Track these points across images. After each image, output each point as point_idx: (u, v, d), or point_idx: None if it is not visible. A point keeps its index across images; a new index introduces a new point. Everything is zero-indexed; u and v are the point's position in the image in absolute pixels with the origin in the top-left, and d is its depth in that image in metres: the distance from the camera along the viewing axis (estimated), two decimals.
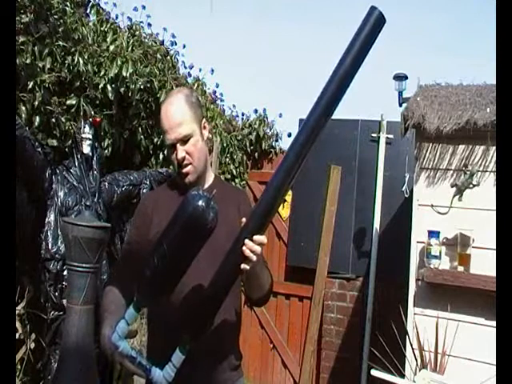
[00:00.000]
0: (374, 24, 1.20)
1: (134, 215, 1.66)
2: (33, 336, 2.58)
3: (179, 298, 1.43)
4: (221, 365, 1.51)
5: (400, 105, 3.67)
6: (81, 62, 2.68)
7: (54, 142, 2.62)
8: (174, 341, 1.31)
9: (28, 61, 2.40)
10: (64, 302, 2.39)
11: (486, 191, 2.36)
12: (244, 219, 1.28)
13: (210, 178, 1.65)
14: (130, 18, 3.45)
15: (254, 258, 1.25)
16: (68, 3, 2.76)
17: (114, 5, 3.32)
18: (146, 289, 1.28)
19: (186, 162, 1.54)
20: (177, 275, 1.26)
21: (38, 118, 2.49)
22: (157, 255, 1.23)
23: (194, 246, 1.24)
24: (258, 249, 1.24)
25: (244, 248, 1.24)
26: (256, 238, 1.24)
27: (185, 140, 1.53)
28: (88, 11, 3.14)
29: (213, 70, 4.23)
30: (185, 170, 1.54)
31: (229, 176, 4.27)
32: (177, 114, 1.54)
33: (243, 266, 1.25)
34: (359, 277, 3.92)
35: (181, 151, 1.52)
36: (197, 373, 1.44)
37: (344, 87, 1.23)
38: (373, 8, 1.20)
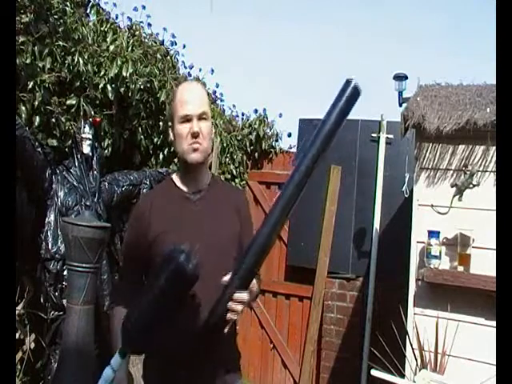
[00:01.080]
0: (349, 97, 1.25)
1: (131, 218, 1.63)
2: (33, 336, 2.58)
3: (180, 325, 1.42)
4: (220, 367, 1.51)
5: (400, 105, 3.67)
6: (81, 61, 2.68)
7: (54, 142, 2.62)
8: (170, 373, 1.34)
9: (28, 61, 2.40)
10: (64, 301, 2.40)
11: (486, 191, 2.36)
12: (226, 278, 1.29)
13: (207, 176, 1.62)
14: (129, 18, 3.45)
15: (235, 316, 1.29)
16: (68, 3, 2.76)
17: (114, 5, 3.33)
18: (132, 337, 1.30)
19: (198, 139, 1.50)
20: (162, 322, 1.30)
21: (38, 118, 2.49)
22: (137, 311, 1.27)
23: (177, 296, 1.27)
24: (238, 308, 1.27)
25: (228, 305, 1.27)
26: (237, 296, 1.26)
27: (201, 118, 1.51)
28: (88, 11, 3.14)
29: (213, 70, 4.23)
30: (196, 145, 1.50)
31: (229, 176, 4.27)
32: (199, 91, 1.56)
33: (229, 316, 1.28)
34: (359, 277, 3.92)
35: (196, 125, 1.49)
36: (196, 376, 1.44)
37: (323, 150, 1.29)
38: (348, 81, 1.25)
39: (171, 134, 1.57)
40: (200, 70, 4.19)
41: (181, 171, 1.60)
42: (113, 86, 2.88)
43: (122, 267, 1.70)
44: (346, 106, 1.26)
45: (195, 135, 1.49)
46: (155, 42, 3.58)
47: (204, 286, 1.33)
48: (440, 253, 2.40)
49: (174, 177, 1.61)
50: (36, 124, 2.49)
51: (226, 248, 1.50)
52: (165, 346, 1.38)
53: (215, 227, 1.51)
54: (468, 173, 2.37)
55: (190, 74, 4.07)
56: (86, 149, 2.72)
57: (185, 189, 1.56)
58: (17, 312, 2.49)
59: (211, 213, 1.53)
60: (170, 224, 1.49)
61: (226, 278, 1.29)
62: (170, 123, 1.59)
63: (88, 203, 2.63)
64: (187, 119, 1.50)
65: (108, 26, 3.14)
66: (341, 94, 1.26)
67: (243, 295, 1.27)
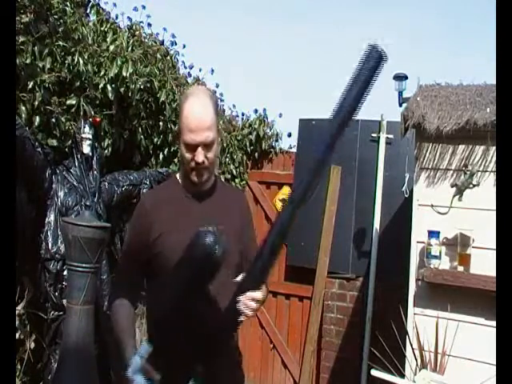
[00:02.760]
0: (374, 63, 1.19)
1: (133, 218, 1.62)
2: (33, 336, 2.58)
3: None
4: (228, 368, 1.50)
5: (400, 105, 3.67)
6: (81, 61, 2.68)
7: (54, 142, 2.62)
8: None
9: (28, 61, 2.40)
10: (64, 302, 2.40)
11: (486, 191, 2.36)
12: (239, 278, 1.30)
13: (212, 179, 1.60)
14: (130, 18, 3.45)
15: (251, 313, 1.28)
16: (68, 3, 2.76)
17: (114, 5, 3.33)
18: (160, 325, 1.31)
19: (203, 166, 1.48)
20: (188, 310, 1.29)
21: (38, 118, 2.49)
22: (168, 291, 1.28)
23: (204, 281, 1.27)
24: (253, 305, 1.27)
25: (240, 304, 1.26)
26: (251, 294, 1.26)
27: (207, 146, 1.46)
28: (88, 11, 3.14)
29: (213, 70, 4.23)
30: (199, 176, 1.49)
31: (229, 176, 4.27)
32: (207, 116, 1.47)
33: (244, 312, 1.27)
34: (359, 277, 3.92)
35: (202, 155, 1.46)
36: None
37: (348, 120, 1.25)
38: (372, 47, 1.18)
39: (178, 141, 1.55)
40: (200, 70, 4.19)
41: (184, 177, 1.58)
42: (113, 86, 2.88)
43: (122, 266, 1.66)
44: (371, 73, 1.19)
45: (201, 165, 1.47)
46: (155, 42, 3.57)
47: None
48: (440, 253, 2.40)
49: (179, 176, 1.61)
50: (36, 124, 2.49)
51: (230, 248, 1.50)
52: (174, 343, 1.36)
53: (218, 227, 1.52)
54: (468, 173, 2.36)
55: (189, 74, 4.06)
56: (86, 149, 2.72)
57: (189, 190, 1.55)
58: (17, 312, 2.49)
59: (214, 213, 1.52)
60: (173, 224, 1.48)
61: (240, 277, 1.29)
62: (177, 130, 1.60)
63: (88, 203, 2.63)
64: (191, 147, 1.46)
65: (108, 26, 3.14)
66: (365, 61, 1.19)
67: (257, 293, 1.27)
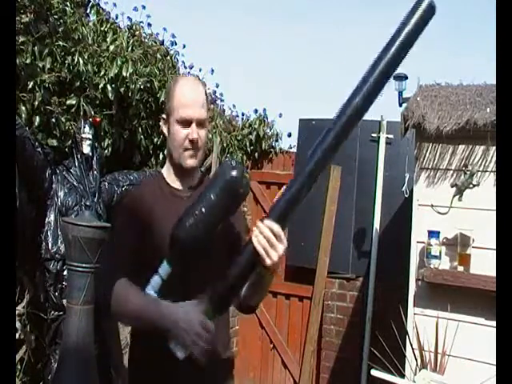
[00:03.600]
0: (423, 13, 1.18)
1: (120, 212, 1.57)
2: (33, 336, 2.58)
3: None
4: (220, 367, 1.50)
5: (400, 105, 3.68)
6: (81, 61, 2.67)
7: (54, 142, 2.62)
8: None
9: (28, 61, 2.40)
10: (64, 301, 2.39)
11: (485, 191, 2.36)
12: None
13: (197, 174, 1.57)
14: (130, 18, 3.45)
15: (265, 253, 1.25)
16: (68, 3, 2.76)
17: (114, 5, 3.32)
18: (185, 242, 1.32)
19: (197, 146, 1.46)
20: (208, 236, 1.32)
21: (38, 118, 2.49)
22: (191, 217, 1.29)
23: (227, 210, 1.34)
24: (269, 235, 1.24)
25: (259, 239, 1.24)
26: (268, 223, 1.23)
27: (200, 123, 1.45)
28: (88, 11, 3.14)
29: (213, 70, 4.22)
30: (192, 152, 1.46)
31: None
32: (201, 93, 1.48)
33: (258, 247, 1.24)
34: (359, 277, 3.92)
35: (195, 132, 1.44)
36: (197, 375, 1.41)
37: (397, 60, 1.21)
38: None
39: (164, 128, 1.52)
40: (200, 70, 4.19)
41: (171, 169, 1.54)
42: (113, 86, 2.88)
43: (112, 262, 1.52)
44: (420, 23, 1.19)
45: (194, 141, 1.44)
46: (155, 42, 3.57)
47: (193, 285, 1.35)
48: (440, 253, 2.40)
49: (165, 172, 1.57)
50: (36, 124, 2.49)
51: (221, 249, 1.47)
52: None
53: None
54: (468, 173, 2.37)
55: (189, 74, 4.06)
56: (86, 149, 2.71)
57: (175, 186, 1.52)
58: (17, 312, 2.49)
59: None
60: (158, 220, 1.45)
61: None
62: (164, 116, 1.52)
63: (88, 203, 2.62)
64: (185, 124, 1.44)
65: (108, 25, 3.14)
66: (413, 10, 1.19)
67: (274, 224, 1.24)
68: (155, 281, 1.33)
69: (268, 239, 1.24)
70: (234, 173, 1.28)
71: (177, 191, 1.52)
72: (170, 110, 1.47)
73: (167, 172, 1.56)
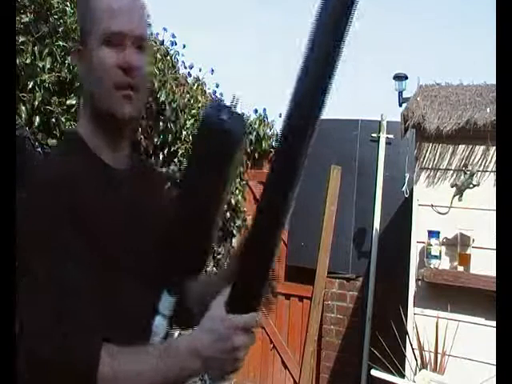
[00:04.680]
0: None
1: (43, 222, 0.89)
2: None
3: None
4: None
5: (400, 105, 3.68)
6: None
7: (54, 142, 2.62)
8: None
9: (28, 61, 2.40)
10: None
11: (485, 191, 2.36)
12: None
13: (128, 149, 1.04)
14: None
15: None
16: (68, 3, 2.76)
17: None
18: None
19: (133, 80, 0.93)
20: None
21: (37, 118, 2.49)
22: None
23: (221, 162, 0.95)
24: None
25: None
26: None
27: (139, 44, 0.95)
28: None
29: (213, 70, 4.23)
30: (127, 100, 0.93)
31: None
32: (140, 7, 0.97)
33: None
34: (359, 277, 3.92)
35: (132, 54, 0.92)
36: None
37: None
38: None
39: (79, 63, 0.98)
40: (200, 70, 4.19)
41: (94, 129, 0.97)
42: None
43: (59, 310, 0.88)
44: None
45: (129, 70, 0.92)
46: (155, 42, 3.57)
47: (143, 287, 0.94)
48: (440, 253, 2.40)
49: (85, 136, 0.98)
50: (36, 124, 2.49)
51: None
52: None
53: (145, 220, 0.98)
54: (468, 173, 2.37)
55: (189, 74, 4.06)
56: None
57: (106, 160, 0.97)
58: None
59: (140, 200, 0.99)
60: (109, 226, 0.93)
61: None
62: (79, 45, 0.98)
63: None
64: (117, 41, 0.92)
65: None
66: None
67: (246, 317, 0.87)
68: (158, 324, 0.96)
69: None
70: (223, 116, 0.89)
71: (110, 170, 0.97)
72: (90, 28, 0.94)
73: (89, 134, 0.97)
